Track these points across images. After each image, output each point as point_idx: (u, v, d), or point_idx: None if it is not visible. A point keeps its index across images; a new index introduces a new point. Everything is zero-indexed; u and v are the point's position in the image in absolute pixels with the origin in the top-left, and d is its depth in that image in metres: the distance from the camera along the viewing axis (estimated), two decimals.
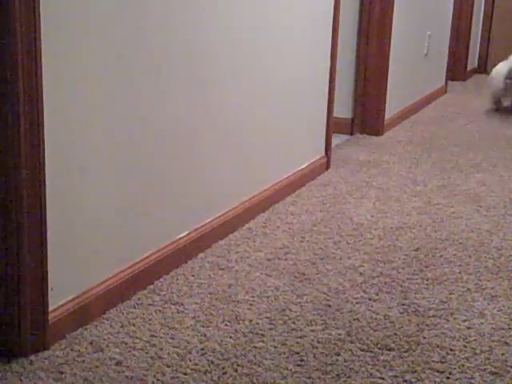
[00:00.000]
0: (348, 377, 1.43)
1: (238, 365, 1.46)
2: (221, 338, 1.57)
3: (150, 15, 1.71)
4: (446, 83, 5.56)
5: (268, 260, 2.03)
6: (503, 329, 1.66)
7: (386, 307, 1.75)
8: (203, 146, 2.04)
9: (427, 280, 1.93)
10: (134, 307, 1.70)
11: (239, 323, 1.64)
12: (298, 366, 1.47)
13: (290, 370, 1.45)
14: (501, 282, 1.93)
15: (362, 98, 3.82)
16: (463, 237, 2.29)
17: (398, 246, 2.18)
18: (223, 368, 1.44)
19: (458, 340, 1.59)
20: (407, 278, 1.93)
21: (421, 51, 4.65)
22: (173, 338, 1.56)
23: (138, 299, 1.74)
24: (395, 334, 1.61)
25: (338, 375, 1.43)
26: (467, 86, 6.23)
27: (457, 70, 6.30)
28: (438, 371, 1.46)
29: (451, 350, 1.55)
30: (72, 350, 1.50)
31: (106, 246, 1.67)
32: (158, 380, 1.39)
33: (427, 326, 1.66)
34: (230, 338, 1.57)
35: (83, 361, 1.46)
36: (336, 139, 3.47)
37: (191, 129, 1.97)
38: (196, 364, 1.46)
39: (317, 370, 1.45)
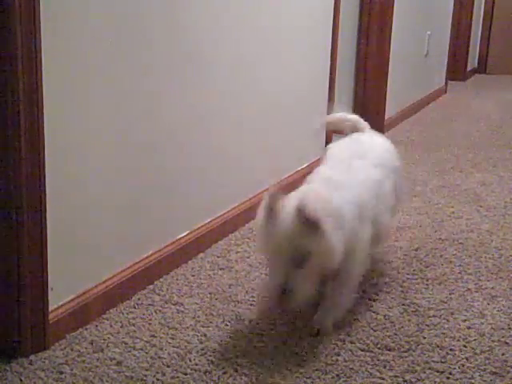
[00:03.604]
0: (348, 377, 1.43)
1: (237, 365, 1.45)
2: (221, 338, 1.57)
3: (151, 15, 1.71)
4: (446, 83, 5.56)
5: None
6: (503, 329, 1.66)
7: (386, 307, 1.75)
8: (203, 146, 2.04)
9: (427, 280, 1.93)
10: (134, 307, 1.70)
11: (239, 323, 1.64)
12: (298, 366, 1.46)
13: (290, 370, 1.45)
14: (501, 282, 1.93)
15: (362, 98, 3.82)
16: (463, 237, 2.29)
17: (398, 246, 2.18)
18: (223, 368, 1.44)
19: (458, 340, 1.59)
20: (407, 278, 1.93)
21: (421, 51, 4.65)
22: (173, 338, 1.56)
23: (138, 299, 1.74)
24: (395, 334, 1.61)
25: (337, 375, 1.43)
26: (467, 85, 6.24)
27: (457, 69, 6.31)
28: (437, 371, 1.46)
29: (451, 349, 1.55)
30: (72, 349, 1.50)
31: (105, 246, 1.67)
32: (157, 380, 1.39)
33: (427, 326, 1.66)
34: (230, 338, 1.57)
35: (83, 361, 1.46)
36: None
37: (191, 129, 1.97)
38: (196, 364, 1.45)
39: (317, 370, 1.45)
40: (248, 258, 2.04)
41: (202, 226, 2.08)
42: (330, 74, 3.00)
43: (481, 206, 2.63)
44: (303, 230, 1.39)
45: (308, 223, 1.39)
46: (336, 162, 1.74)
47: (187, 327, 1.61)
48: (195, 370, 1.43)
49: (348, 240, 1.49)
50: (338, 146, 1.87)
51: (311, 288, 1.45)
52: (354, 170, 1.67)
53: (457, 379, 1.43)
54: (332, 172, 1.66)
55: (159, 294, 1.77)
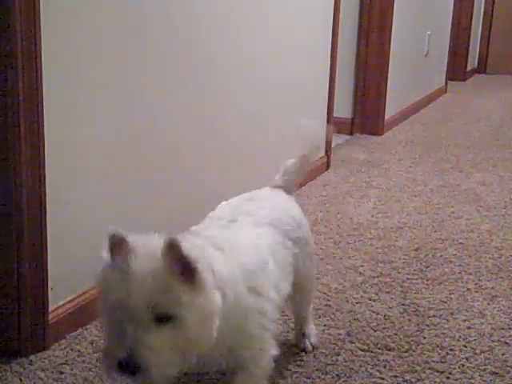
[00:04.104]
0: (348, 377, 1.43)
1: None
2: None
3: (150, 15, 1.71)
4: (446, 83, 5.56)
5: None
6: (503, 329, 1.66)
7: (386, 307, 1.75)
8: (203, 146, 2.04)
9: (427, 280, 1.93)
10: None
11: None
12: (298, 366, 1.46)
13: (290, 370, 1.45)
14: (501, 282, 1.93)
15: (362, 98, 3.82)
16: (463, 237, 2.28)
17: (398, 246, 2.18)
18: None
19: (458, 340, 1.59)
20: (407, 278, 1.93)
21: (421, 51, 4.65)
22: None
23: None
24: (395, 333, 1.61)
25: (337, 375, 1.43)
26: (467, 85, 6.23)
27: (457, 70, 6.30)
28: (437, 371, 1.46)
29: (451, 349, 1.55)
30: (72, 349, 1.50)
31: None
32: None
33: (427, 326, 1.66)
34: None
35: (83, 361, 1.45)
36: (336, 139, 3.47)
37: (191, 129, 1.97)
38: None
39: (317, 370, 1.45)
40: None
41: None
42: (330, 74, 3.00)
43: (481, 206, 2.62)
44: (170, 275, 0.96)
45: (179, 266, 0.96)
46: (214, 219, 1.36)
47: None
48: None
49: (232, 313, 1.07)
50: (225, 205, 1.45)
51: (172, 364, 0.97)
52: (238, 228, 1.28)
53: (457, 379, 1.43)
54: (209, 231, 1.28)
55: None
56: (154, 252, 0.97)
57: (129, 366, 0.93)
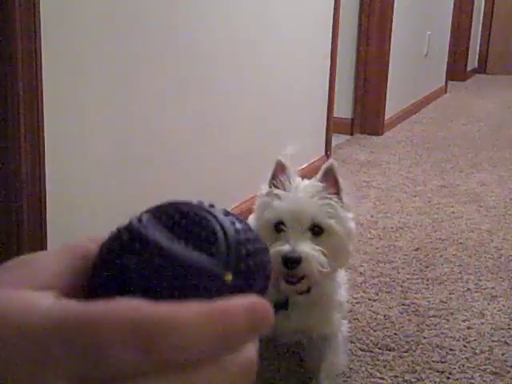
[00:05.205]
0: (348, 377, 1.43)
1: None
2: None
3: (151, 15, 1.71)
4: (446, 83, 5.56)
5: None
6: (503, 329, 1.66)
7: (386, 307, 1.75)
8: (203, 146, 2.04)
9: (427, 280, 1.93)
10: None
11: None
12: (298, 365, 1.46)
13: (290, 369, 1.45)
14: (501, 282, 1.93)
15: (362, 98, 3.82)
16: (463, 237, 2.28)
17: (398, 246, 2.18)
18: None
19: (458, 340, 1.59)
20: (407, 278, 1.93)
21: (421, 51, 4.65)
22: None
23: None
24: (395, 333, 1.61)
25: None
26: (467, 86, 6.23)
27: (457, 69, 6.31)
28: (437, 371, 1.46)
29: (451, 349, 1.55)
30: None
31: None
32: None
33: (427, 326, 1.66)
34: None
35: None
36: (336, 139, 3.47)
37: (191, 129, 1.97)
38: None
39: None
40: None
41: None
42: (330, 74, 3.00)
43: (481, 206, 2.62)
44: (328, 194, 1.21)
45: (334, 187, 1.23)
46: None
47: None
48: None
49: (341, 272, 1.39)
50: None
51: (324, 261, 1.18)
52: None
53: (457, 379, 1.43)
54: None
55: None
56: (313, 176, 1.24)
57: (292, 256, 1.15)
